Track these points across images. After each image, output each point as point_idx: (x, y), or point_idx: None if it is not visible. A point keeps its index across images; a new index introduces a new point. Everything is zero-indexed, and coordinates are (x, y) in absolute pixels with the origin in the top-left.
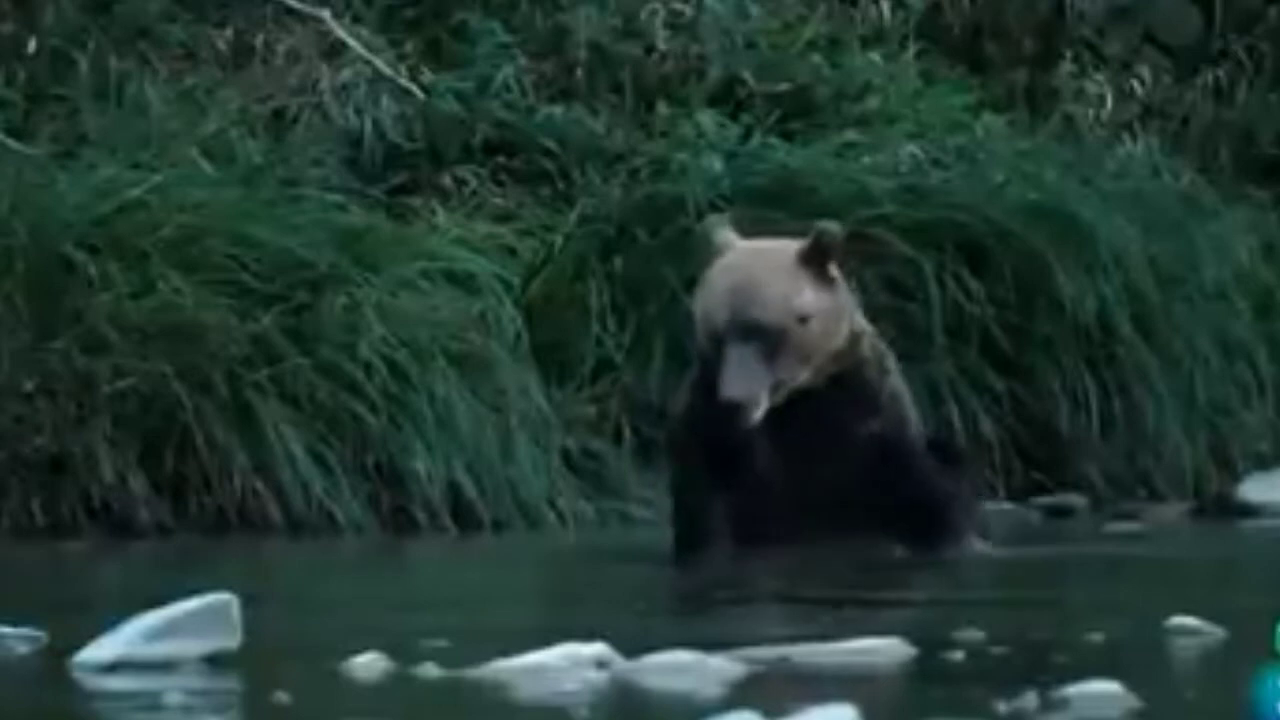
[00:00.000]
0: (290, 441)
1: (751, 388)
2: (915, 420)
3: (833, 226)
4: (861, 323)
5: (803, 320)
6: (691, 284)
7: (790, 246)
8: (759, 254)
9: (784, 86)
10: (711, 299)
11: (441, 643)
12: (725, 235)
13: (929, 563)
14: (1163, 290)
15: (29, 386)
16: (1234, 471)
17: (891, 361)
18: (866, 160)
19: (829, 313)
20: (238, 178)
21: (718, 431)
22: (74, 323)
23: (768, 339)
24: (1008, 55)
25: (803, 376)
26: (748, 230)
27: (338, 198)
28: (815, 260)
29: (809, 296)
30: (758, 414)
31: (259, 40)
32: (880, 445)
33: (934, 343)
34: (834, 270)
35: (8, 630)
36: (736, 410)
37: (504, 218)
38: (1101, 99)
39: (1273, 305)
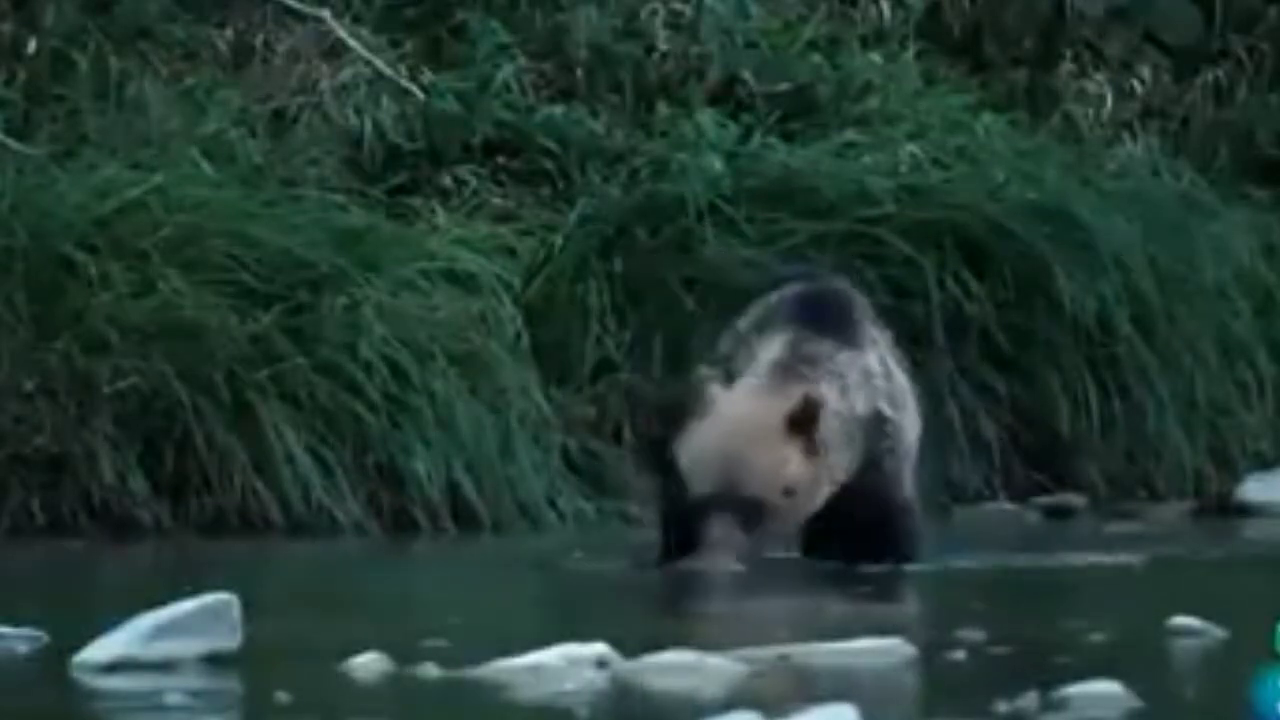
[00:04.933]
0: (290, 441)
1: (724, 562)
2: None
3: (820, 395)
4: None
5: (788, 493)
6: (691, 285)
7: (777, 409)
8: (748, 419)
9: (784, 86)
10: (699, 462)
11: (441, 643)
12: (714, 389)
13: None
14: (1163, 290)
15: (29, 386)
16: (1234, 471)
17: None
18: (866, 160)
19: (812, 483)
20: (238, 178)
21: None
22: (74, 323)
23: (750, 511)
24: (1008, 55)
25: (781, 533)
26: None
27: (338, 198)
28: (803, 427)
29: (795, 469)
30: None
31: (259, 40)
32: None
33: (934, 343)
34: (818, 434)
35: (8, 630)
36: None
37: (504, 218)
38: (1101, 99)
39: (1273, 305)
